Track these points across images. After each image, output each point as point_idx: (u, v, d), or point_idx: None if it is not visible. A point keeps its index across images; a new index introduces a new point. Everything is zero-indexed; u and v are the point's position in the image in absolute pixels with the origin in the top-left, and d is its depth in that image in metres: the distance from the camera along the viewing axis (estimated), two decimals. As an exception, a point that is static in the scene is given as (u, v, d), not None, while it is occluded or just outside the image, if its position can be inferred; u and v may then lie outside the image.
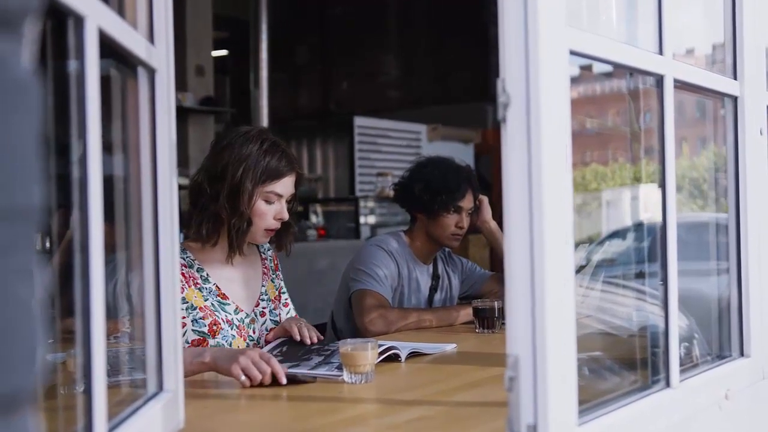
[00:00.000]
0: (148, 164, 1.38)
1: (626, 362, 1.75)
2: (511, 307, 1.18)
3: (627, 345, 1.90)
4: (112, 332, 1.28)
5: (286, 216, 2.32)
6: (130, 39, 1.23)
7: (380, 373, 1.99)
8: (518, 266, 1.18)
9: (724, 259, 1.92)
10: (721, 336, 1.91)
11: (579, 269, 1.78)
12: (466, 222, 3.03)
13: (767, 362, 1.91)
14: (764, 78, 1.94)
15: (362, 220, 7.32)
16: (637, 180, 1.95)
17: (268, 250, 2.51)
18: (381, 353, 2.09)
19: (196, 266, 2.30)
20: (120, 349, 1.52)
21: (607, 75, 1.80)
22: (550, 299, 1.16)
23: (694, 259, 1.96)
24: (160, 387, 1.40)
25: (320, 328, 3.20)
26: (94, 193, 1.01)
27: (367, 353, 1.89)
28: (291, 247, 2.45)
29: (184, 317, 2.20)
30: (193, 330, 2.22)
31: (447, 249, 3.20)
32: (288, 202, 2.34)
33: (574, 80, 1.26)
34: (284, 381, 1.87)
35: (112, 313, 1.08)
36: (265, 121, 7.53)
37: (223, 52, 9.56)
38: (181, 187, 1.73)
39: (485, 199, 3.15)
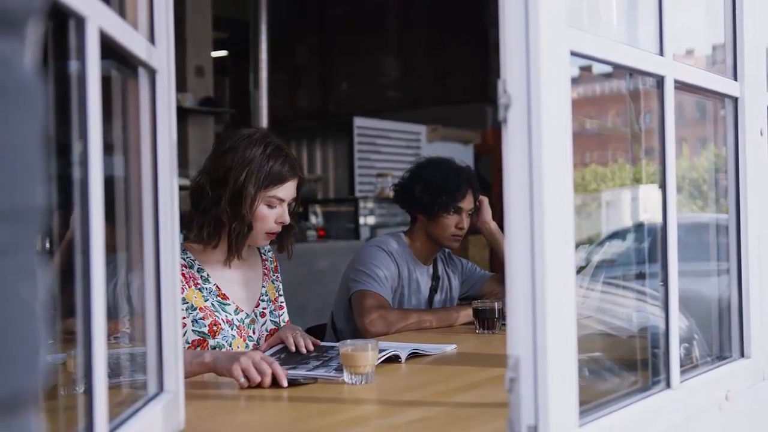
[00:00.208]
0: (149, 165, 1.38)
1: (626, 363, 1.75)
2: (511, 307, 1.18)
3: (627, 346, 1.90)
4: (112, 333, 1.28)
5: (287, 220, 2.32)
6: (131, 40, 1.23)
7: (380, 374, 1.99)
8: (519, 267, 1.17)
9: (724, 260, 1.92)
10: (721, 337, 1.91)
11: (579, 270, 1.78)
12: (466, 223, 3.03)
13: (767, 363, 1.91)
14: (764, 79, 1.94)
15: (362, 220, 7.32)
16: (636, 181, 1.95)
17: (269, 251, 2.51)
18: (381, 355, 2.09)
19: (196, 266, 2.30)
20: (120, 349, 1.52)
21: (607, 76, 1.80)
22: (551, 300, 1.16)
23: (694, 259, 1.96)
24: (161, 388, 1.40)
25: (320, 328, 3.20)
26: (95, 194, 1.01)
27: (367, 354, 1.89)
28: (292, 248, 2.45)
29: (184, 317, 2.20)
30: (193, 330, 2.22)
31: (447, 250, 3.20)
32: (289, 204, 2.34)
33: (574, 81, 1.26)
34: (285, 384, 1.87)
35: (112, 314, 1.07)
36: (264, 122, 7.53)
37: (223, 53, 9.56)
38: (180, 188, 1.73)
39: (485, 200, 3.15)
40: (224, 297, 2.31)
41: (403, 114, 8.61)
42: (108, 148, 1.15)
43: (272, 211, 2.29)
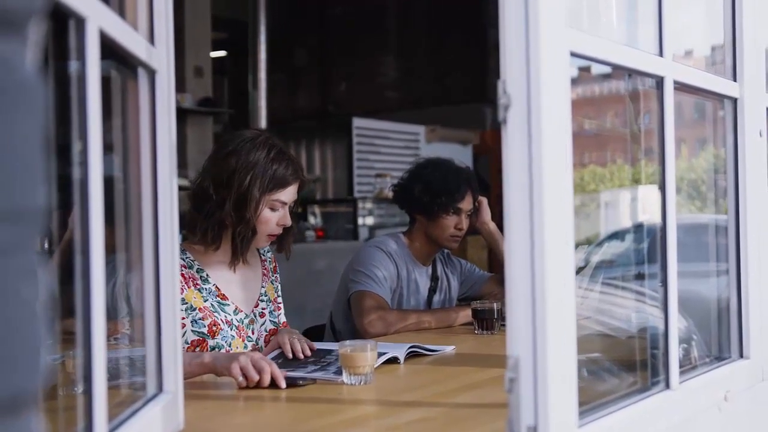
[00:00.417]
0: (148, 165, 1.38)
1: (625, 364, 1.75)
2: (511, 308, 1.18)
3: (626, 346, 1.90)
4: (111, 334, 1.28)
5: (289, 222, 2.33)
6: (131, 40, 1.23)
7: (379, 375, 1.99)
8: (519, 267, 1.18)
9: (723, 261, 1.92)
10: (720, 337, 1.91)
11: (578, 271, 1.78)
12: (465, 223, 3.03)
13: (766, 364, 1.91)
14: (764, 80, 1.94)
15: (361, 221, 7.32)
16: (635, 181, 1.95)
17: (268, 251, 2.51)
18: (380, 357, 2.09)
19: (195, 267, 2.30)
20: (119, 350, 1.51)
21: (606, 76, 1.80)
22: (551, 300, 1.16)
23: (693, 260, 1.96)
24: (160, 388, 1.40)
25: (319, 329, 3.20)
26: (95, 194, 1.01)
27: (366, 354, 1.89)
28: (291, 248, 2.45)
29: (183, 318, 2.20)
30: (192, 331, 2.21)
31: (446, 250, 3.20)
32: (289, 206, 2.35)
33: (573, 81, 1.26)
34: (283, 385, 1.87)
35: (110, 314, 1.08)
36: (263, 122, 7.52)
37: (222, 53, 9.56)
38: (179, 188, 1.73)
39: (484, 201, 3.15)
40: (223, 297, 2.31)
41: (402, 114, 8.61)
42: (107, 149, 1.15)
43: (275, 214, 2.29)
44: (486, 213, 3.14)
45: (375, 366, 1.97)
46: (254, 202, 2.24)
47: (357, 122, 7.84)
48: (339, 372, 1.93)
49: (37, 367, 0.62)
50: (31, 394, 0.61)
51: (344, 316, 2.99)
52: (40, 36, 0.66)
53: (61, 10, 0.94)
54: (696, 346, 1.85)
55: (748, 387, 1.84)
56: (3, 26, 0.59)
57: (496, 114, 1.20)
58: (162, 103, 1.39)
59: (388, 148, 7.98)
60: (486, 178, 7.04)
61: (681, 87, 1.62)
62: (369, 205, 7.41)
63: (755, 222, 1.87)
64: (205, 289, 2.28)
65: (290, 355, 2.16)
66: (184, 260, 2.28)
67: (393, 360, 2.16)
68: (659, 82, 1.55)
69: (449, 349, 2.39)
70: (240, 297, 2.36)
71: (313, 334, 3.15)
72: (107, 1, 1.09)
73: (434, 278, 3.15)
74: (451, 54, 9.09)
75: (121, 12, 1.25)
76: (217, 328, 2.24)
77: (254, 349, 2.34)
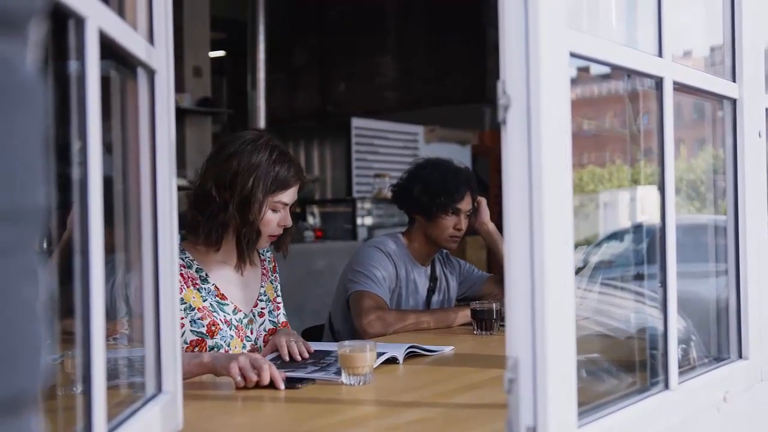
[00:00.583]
0: (148, 165, 1.38)
1: (625, 364, 1.75)
2: (511, 309, 1.18)
3: (625, 347, 1.90)
4: (110, 334, 1.27)
5: (289, 223, 2.34)
6: (130, 40, 1.23)
7: (378, 375, 1.99)
8: (518, 268, 1.17)
9: (722, 262, 1.92)
10: (719, 338, 1.91)
11: (577, 271, 1.78)
12: (464, 224, 3.03)
13: (765, 364, 1.91)
14: (763, 80, 1.94)
15: (359, 221, 7.32)
16: (634, 182, 1.95)
17: (267, 251, 2.51)
18: (379, 357, 2.08)
19: (195, 266, 2.30)
20: (118, 350, 1.51)
21: (604, 77, 1.80)
22: (550, 301, 1.16)
23: (692, 261, 1.96)
24: (159, 388, 1.40)
25: (318, 329, 3.20)
26: (94, 194, 1.01)
27: (365, 355, 1.89)
28: (288, 248, 2.46)
29: (182, 318, 2.20)
30: (191, 331, 2.21)
31: (445, 251, 3.20)
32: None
33: (572, 82, 1.26)
34: (282, 386, 1.87)
35: (109, 314, 1.07)
36: (262, 123, 7.52)
37: (221, 53, 9.56)
38: (178, 188, 1.73)
39: (483, 201, 3.15)
40: (223, 297, 2.31)
41: (400, 115, 8.61)
42: (107, 148, 1.15)
43: (276, 215, 2.30)
44: (485, 213, 3.14)
45: (374, 366, 1.96)
46: (257, 204, 2.24)
47: (356, 122, 7.84)
48: (339, 372, 1.93)
49: (37, 367, 0.62)
50: (31, 394, 0.61)
51: (343, 316, 2.99)
52: (41, 36, 0.66)
53: (61, 10, 0.94)
54: (695, 347, 1.85)
55: (747, 387, 1.84)
56: (3, 26, 0.58)
57: (496, 114, 1.20)
58: (161, 103, 1.39)
59: (387, 148, 7.98)
60: (485, 178, 7.04)
61: (680, 88, 1.62)
62: (368, 205, 7.41)
63: (754, 222, 1.87)
64: (205, 288, 2.28)
65: (287, 358, 2.15)
66: (183, 260, 2.28)
67: (392, 360, 2.16)
68: (659, 82, 1.55)
69: (448, 349, 2.39)
70: (239, 297, 2.36)
71: (312, 334, 3.15)
72: (107, 1, 1.09)
73: (433, 278, 3.15)
74: (450, 54, 9.09)
75: (121, 12, 1.24)
76: (216, 328, 2.24)
77: (253, 350, 2.34)
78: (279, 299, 2.52)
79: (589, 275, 2.03)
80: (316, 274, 5.86)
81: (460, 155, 6.72)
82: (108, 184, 1.13)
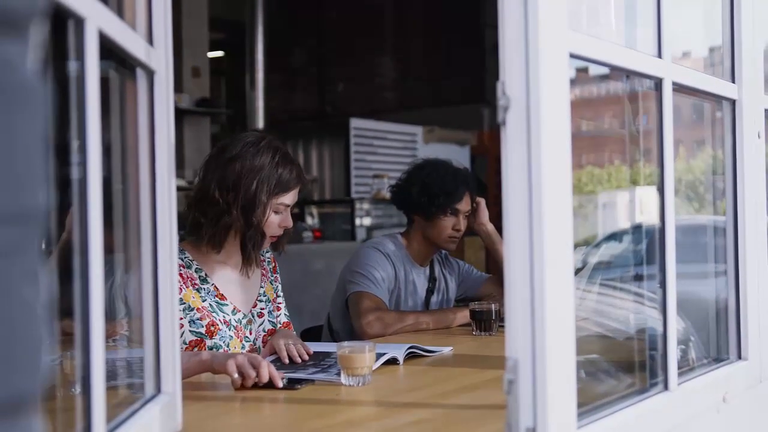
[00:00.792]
0: (147, 165, 1.37)
1: (624, 365, 1.75)
2: (510, 310, 1.18)
3: (625, 348, 1.90)
4: (109, 335, 1.27)
5: (291, 224, 2.35)
6: (130, 41, 1.23)
7: (378, 376, 1.99)
8: (518, 269, 1.17)
9: (722, 262, 1.92)
10: (718, 339, 1.91)
11: (576, 272, 1.78)
12: (463, 224, 3.03)
13: (765, 365, 1.91)
14: (762, 81, 1.94)
15: (358, 221, 7.31)
16: (633, 182, 1.95)
17: (267, 252, 2.51)
18: (379, 358, 2.08)
19: (194, 266, 2.30)
20: (117, 351, 1.51)
21: (603, 77, 1.80)
22: (550, 302, 1.16)
23: (691, 261, 1.96)
24: (158, 389, 1.39)
25: (317, 330, 3.20)
26: (94, 194, 1.01)
27: (364, 355, 1.89)
28: (285, 246, 2.47)
29: (181, 318, 2.20)
30: (190, 331, 2.21)
31: (444, 251, 3.20)
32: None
33: (570, 82, 1.25)
34: (280, 384, 1.87)
35: (107, 315, 1.07)
36: (261, 123, 7.52)
37: (219, 54, 9.55)
38: (177, 189, 1.72)
39: (482, 202, 3.15)
40: (222, 297, 2.31)
41: (399, 115, 8.60)
42: (106, 149, 1.15)
43: (277, 217, 2.31)
44: (484, 214, 3.14)
45: (375, 367, 1.96)
46: (262, 207, 2.25)
47: (354, 123, 7.83)
48: (340, 374, 1.93)
49: (38, 368, 0.62)
50: (32, 395, 0.61)
51: (342, 316, 2.99)
52: (42, 37, 0.66)
53: (61, 11, 0.94)
54: (694, 348, 1.85)
55: (747, 388, 1.84)
56: (5, 27, 0.58)
57: (494, 115, 1.20)
58: (160, 103, 1.39)
59: (386, 148, 7.97)
60: (483, 179, 7.03)
61: (680, 88, 1.62)
62: (366, 205, 7.40)
63: (754, 223, 1.87)
64: (204, 289, 2.28)
65: (286, 361, 2.14)
66: (182, 260, 2.28)
67: (392, 361, 2.16)
68: (658, 83, 1.55)
69: (447, 350, 2.39)
70: (238, 297, 2.36)
71: (311, 335, 3.15)
72: (106, 2, 1.09)
73: (432, 279, 3.15)
74: (449, 55, 9.09)
75: (120, 12, 1.24)
76: (215, 328, 2.24)
77: (252, 350, 2.34)
78: (280, 300, 2.52)
79: (588, 276, 2.03)
80: (314, 275, 5.86)
81: (458, 156, 6.72)
82: (107, 184, 1.13)
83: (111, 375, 1.21)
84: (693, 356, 1.83)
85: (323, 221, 7.46)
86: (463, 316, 2.86)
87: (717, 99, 1.87)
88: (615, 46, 1.47)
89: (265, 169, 2.25)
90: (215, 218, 2.25)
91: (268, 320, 2.42)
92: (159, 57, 1.39)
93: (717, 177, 2.00)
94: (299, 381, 1.92)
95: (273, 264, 2.53)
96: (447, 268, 3.23)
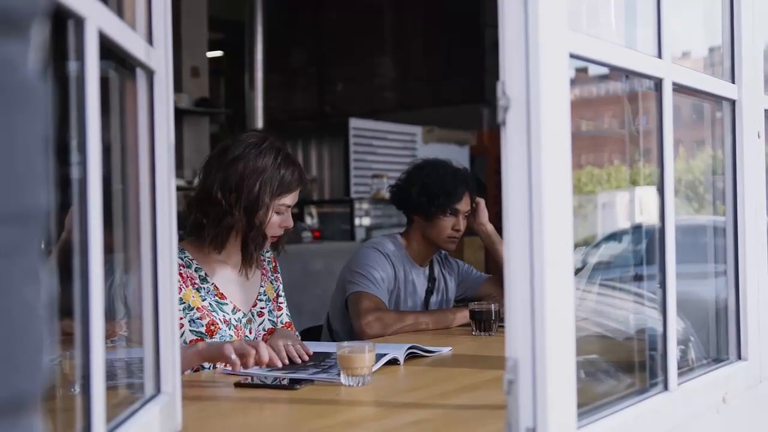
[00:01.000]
0: (146, 165, 1.37)
1: (624, 365, 1.75)
2: (510, 310, 1.18)
3: (624, 348, 1.90)
4: (108, 336, 1.27)
5: (291, 224, 2.36)
6: (130, 40, 1.23)
7: (377, 376, 1.99)
8: (518, 269, 1.17)
9: (721, 262, 1.92)
10: (718, 339, 1.91)
11: (575, 272, 1.78)
12: (462, 224, 3.03)
13: (765, 365, 1.91)
14: (762, 82, 1.94)
15: (357, 221, 7.31)
16: (633, 183, 1.95)
17: (267, 251, 2.52)
18: (379, 359, 2.08)
19: (194, 266, 2.30)
20: (117, 351, 1.51)
21: (603, 77, 1.80)
22: (550, 302, 1.16)
23: (691, 261, 1.96)
24: (158, 389, 1.39)
25: (316, 330, 3.20)
26: (94, 194, 1.01)
27: (364, 356, 1.89)
28: (284, 246, 2.47)
29: (181, 318, 2.20)
30: (190, 330, 2.21)
31: (443, 251, 3.20)
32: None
33: (571, 82, 1.25)
34: (279, 364, 1.87)
35: (106, 315, 1.07)
36: (260, 123, 7.51)
37: (219, 53, 9.55)
38: (176, 188, 1.72)
39: (482, 202, 3.15)
40: (222, 296, 2.31)
41: (399, 115, 8.60)
42: (105, 149, 1.14)
43: (279, 217, 2.32)
44: (483, 214, 3.14)
45: (376, 368, 1.96)
46: (265, 208, 2.26)
47: (354, 123, 7.83)
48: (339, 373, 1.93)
49: (40, 368, 0.62)
50: (33, 395, 0.61)
51: (341, 317, 2.99)
52: (44, 37, 0.66)
53: (61, 10, 0.94)
54: (694, 348, 1.85)
55: (747, 389, 1.84)
56: (6, 27, 0.58)
57: (494, 115, 1.20)
58: (160, 103, 1.39)
59: (385, 148, 7.97)
60: (483, 179, 7.03)
61: (680, 89, 1.62)
62: (366, 205, 7.40)
63: (753, 223, 1.87)
64: (204, 288, 2.29)
65: (286, 362, 2.12)
66: (182, 259, 2.28)
67: (392, 361, 2.16)
68: (658, 83, 1.55)
69: (446, 350, 2.39)
70: (238, 296, 2.36)
71: (311, 335, 3.15)
72: (106, 2, 1.09)
73: (431, 279, 3.15)
74: (448, 55, 9.09)
75: (120, 12, 1.24)
76: (216, 327, 2.24)
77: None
78: (281, 300, 2.52)
79: (588, 276, 2.03)
80: (314, 275, 5.86)
81: (458, 156, 6.72)
82: (107, 184, 1.13)
83: (111, 375, 1.21)
84: (693, 356, 1.83)
85: (322, 221, 7.46)
86: (463, 316, 2.86)
87: (717, 99, 1.87)
88: (615, 46, 1.47)
89: (267, 171, 2.26)
90: (217, 219, 2.25)
91: (269, 319, 2.42)
92: (159, 57, 1.39)
93: (717, 177, 2.00)
94: (299, 381, 1.92)
95: (273, 264, 2.54)
96: (446, 269, 3.23)
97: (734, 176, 1.87)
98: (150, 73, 1.37)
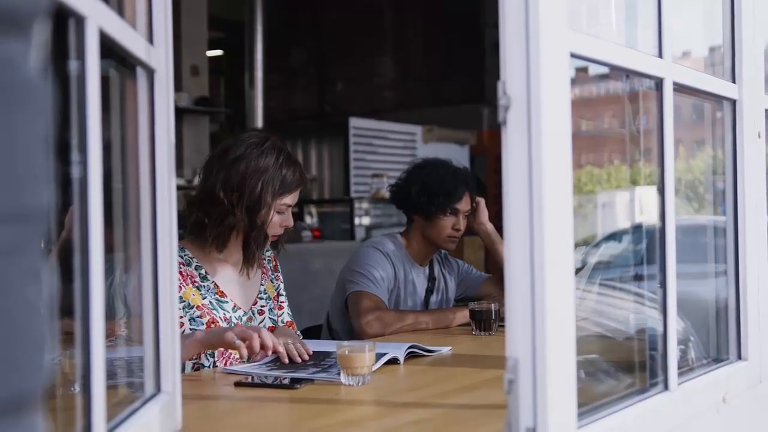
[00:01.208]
0: (147, 164, 1.37)
1: (624, 365, 1.75)
2: (510, 309, 1.18)
3: (624, 348, 1.90)
4: (108, 335, 1.27)
5: (292, 224, 2.37)
6: (130, 39, 1.23)
7: (377, 375, 1.99)
8: (518, 268, 1.17)
9: (722, 262, 1.92)
10: (718, 339, 1.91)
11: (575, 272, 1.78)
12: (462, 224, 3.03)
13: (765, 365, 1.91)
14: (762, 81, 1.94)
15: (357, 221, 7.31)
16: (633, 182, 1.95)
17: (267, 250, 2.52)
18: (379, 359, 2.08)
19: (194, 264, 2.30)
20: (117, 350, 1.51)
21: (603, 77, 1.80)
22: (550, 302, 1.16)
23: (691, 261, 1.96)
24: (158, 388, 1.39)
25: (316, 329, 3.20)
26: (94, 193, 1.01)
27: (364, 355, 1.89)
28: (284, 245, 2.48)
29: (181, 317, 2.20)
30: (190, 329, 2.21)
31: (443, 251, 3.20)
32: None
33: (571, 82, 1.25)
34: (281, 349, 1.87)
35: (106, 314, 1.07)
36: (260, 122, 7.51)
37: (219, 53, 9.55)
38: (177, 188, 1.72)
39: (482, 201, 3.15)
40: (222, 295, 2.31)
41: (399, 115, 8.60)
42: (106, 148, 1.14)
43: (280, 217, 2.33)
44: (483, 213, 3.14)
45: (376, 368, 1.96)
46: (266, 208, 2.27)
47: (354, 122, 7.83)
48: (339, 372, 1.93)
49: (41, 367, 0.62)
50: (34, 395, 0.61)
51: (341, 316, 2.98)
52: (45, 36, 0.66)
53: (61, 9, 0.94)
54: (694, 348, 1.85)
55: (747, 389, 1.84)
56: (7, 26, 0.58)
57: (494, 114, 1.20)
58: (161, 102, 1.39)
59: (385, 148, 7.97)
60: (483, 178, 7.03)
61: (680, 88, 1.62)
62: (366, 205, 7.40)
63: (754, 223, 1.87)
64: (204, 286, 2.29)
65: (286, 361, 2.13)
66: (182, 258, 2.28)
67: (392, 361, 2.15)
68: (658, 83, 1.55)
69: (446, 349, 2.39)
70: (239, 295, 2.36)
71: (311, 334, 3.15)
72: (106, 1, 1.09)
73: (431, 279, 3.15)
74: (448, 54, 9.09)
75: (120, 11, 1.24)
76: (216, 325, 2.24)
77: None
78: (282, 298, 2.53)
79: (588, 276, 2.03)
80: (313, 274, 5.85)
81: (458, 155, 6.72)
82: (107, 183, 1.13)
83: (111, 374, 1.21)
84: (693, 356, 1.83)
85: (322, 221, 7.46)
86: (463, 315, 2.86)
87: (717, 99, 1.87)
88: (615, 46, 1.47)
89: (269, 171, 2.26)
90: (220, 219, 2.26)
91: (269, 318, 2.42)
92: (159, 56, 1.39)
93: (717, 177, 2.00)
94: (299, 380, 1.92)
95: (274, 263, 2.54)
96: (446, 268, 3.23)
97: (734, 176, 1.87)
98: (150, 72, 1.37)
